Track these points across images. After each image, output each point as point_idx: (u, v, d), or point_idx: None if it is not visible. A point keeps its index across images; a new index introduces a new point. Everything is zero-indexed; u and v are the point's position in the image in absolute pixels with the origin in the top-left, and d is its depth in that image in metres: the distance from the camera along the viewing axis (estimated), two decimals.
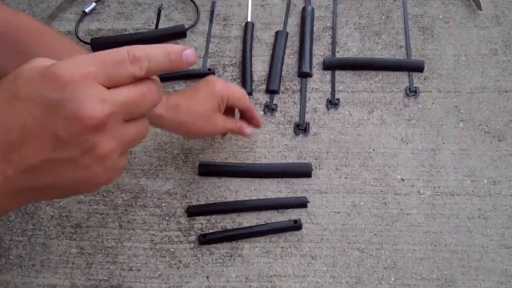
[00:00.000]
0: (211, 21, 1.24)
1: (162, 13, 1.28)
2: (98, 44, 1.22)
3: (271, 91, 1.12)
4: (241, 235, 0.94)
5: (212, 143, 1.06)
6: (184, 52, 0.51)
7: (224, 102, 0.93)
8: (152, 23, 1.26)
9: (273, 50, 1.17)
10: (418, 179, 0.99)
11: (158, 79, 0.52)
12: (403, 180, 0.99)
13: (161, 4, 1.29)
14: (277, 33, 1.19)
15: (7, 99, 0.47)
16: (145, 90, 0.50)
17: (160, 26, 1.25)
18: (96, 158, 0.48)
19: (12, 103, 0.46)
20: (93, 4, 1.30)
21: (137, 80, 0.49)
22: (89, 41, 1.22)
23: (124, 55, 0.48)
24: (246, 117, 1.00)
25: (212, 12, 1.26)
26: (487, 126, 1.05)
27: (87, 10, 1.29)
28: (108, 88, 0.47)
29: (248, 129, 0.99)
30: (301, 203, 0.97)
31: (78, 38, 1.24)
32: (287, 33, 1.20)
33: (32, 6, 1.34)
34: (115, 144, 0.49)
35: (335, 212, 0.96)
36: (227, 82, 0.96)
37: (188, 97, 0.92)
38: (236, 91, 0.96)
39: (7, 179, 0.47)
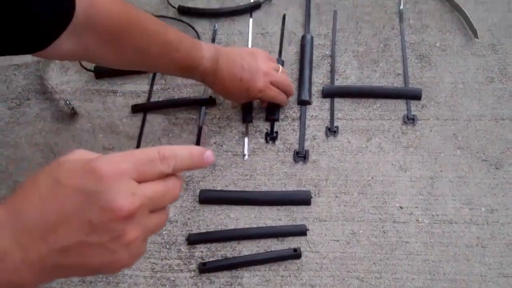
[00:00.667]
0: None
1: None
2: (102, 71, 1.23)
3: (272, 120, 1.13)
4: (241, 264, 0.95)
5: (213, 171, 1.07)
6: (205, 155, 0.60)
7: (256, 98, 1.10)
8: None
9: None
10: (416, 207, 1.00)
11: (181, 176, 0.60)
12: (401, 208, 1.00)
13: None
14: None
15: (51, 185, 0.53)
16: (170, 186, 0.57)
17: None
18: (123, 244, 0.54)
19: (55, 190, 0.53)
20: None
21: (164, 176, 0.57)
22: (92, 69, 1.24)
23: (155, 155, 0.56)
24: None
25: (213, 40, 1.28)
26: (484, 154, 1.06)
27: None
28: (139, 182, 0.55)
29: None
30: (301, 231, 0.98)
31: (82, 65, 1.25)
32: (283, 61, 1.22)
33: None
34: (140, 232, 0.55)
35: (334, 240, 0.97)
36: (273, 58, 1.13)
37: (232, 79, 1.04)
38: (280, 82, 1.10)
39: (42, 257, 0.53)
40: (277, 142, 1.11)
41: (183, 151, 0.58)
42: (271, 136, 1.11)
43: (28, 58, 1.30)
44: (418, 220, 0.98)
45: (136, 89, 1.22)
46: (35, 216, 0.53)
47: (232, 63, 1.03)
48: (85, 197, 0.52)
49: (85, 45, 0.83)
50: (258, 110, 1.15)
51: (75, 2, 0.78)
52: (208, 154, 0.60)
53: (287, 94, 1.12)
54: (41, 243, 0.53)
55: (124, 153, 0.55)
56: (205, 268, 0.95)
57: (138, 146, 1.12)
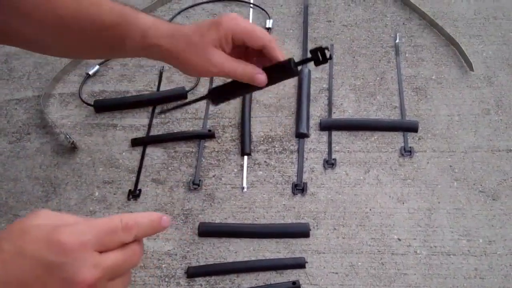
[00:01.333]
0: (211, 83, 1.28)
1: (164, 75, 1.32)
2: (101, 106, 1.25)
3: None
4: None
5: (212, 204, 1.08)
6: (162, 220, 0.62)
7: (229, 37, 0.81)
8: (154, 85, 1.30)
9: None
10: (414, 238, 1.00)
11: (142, 242, 0.62)
12: (399, 239, 1.00)
13: (163, 67, 1.33)
14: None
15: (14, 253, 0.54)
16: (130, 254, 0.59)
17: (162, 88, 1.29)
18: None
19: (18, 259, 0.54)
20: (97, 67, 1.34)
21: (124, 244, 0.59)
22: (92, 103, 1.26)
23: (118, 225, 0.58)
24: (265, 59, 0.84)
25: (211, 79, 1.30)
26: (481, 185, 1.07)
27: (90, 72, 1.33)
28: (100, 252, 0.56)
29: (261, 76, 0.83)
30: (299, 264, 0.98)
31: (82, 99, 1.27)
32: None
33: (37, 68, 1.38)
34: None
35: (333, 272, 0.97)
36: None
37: (190, 26, 0.83)
38: (245, 25, 0.82)
39: None
40: (275, 174, 1.11)
41: (144, 220, 0.60)
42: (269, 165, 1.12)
43: (29, 92, 1.32)
44: (416, 252, 0.99)
45: (135, 123, 1.23)
46: None
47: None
48: (48, 269, 0.53)
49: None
50: (256, 143, 1.17)
51: None
52: (165, 219, 0.62)
53: None
54: None
55: (88, 223, 0.56)
56: None
57: (137, 180, 1.12)
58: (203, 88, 1.28)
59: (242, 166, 1.13)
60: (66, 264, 0.53)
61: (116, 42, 0.86)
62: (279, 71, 0.83)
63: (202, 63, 0.82)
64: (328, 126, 1.17)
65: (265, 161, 1.14)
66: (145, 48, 0.85)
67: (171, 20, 1.45)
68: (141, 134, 1.20)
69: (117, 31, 0.85)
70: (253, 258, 1.00)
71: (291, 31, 1.39)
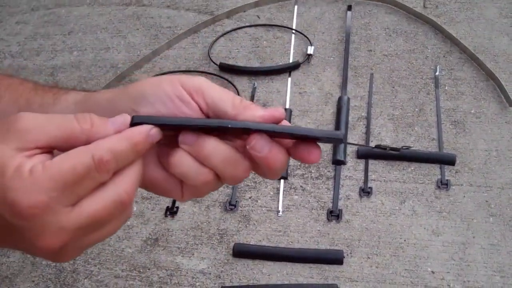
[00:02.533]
0: None
1: None
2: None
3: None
4: None
5: (247, 225, 1.09)
6: (150, 135, 0.47)
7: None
8: None
9: None
10: (448, 272, 1.01)
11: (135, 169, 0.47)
12: (433, 272, 1.01)
13: None
14: None
15: None
16: (111, 200, 0.45)
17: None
18: (54, 260, 0.47)
19: None
20: None
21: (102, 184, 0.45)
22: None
23: (89, 164, 0.43)
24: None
25: (252, 97, 1.32)
26: None
27: None
28: (72, 205, 0.44)
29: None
30: None
31: None
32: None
33: (82, 82, 1.42)
34: (76, 253, 0.47)
35: None
36: None
37: None
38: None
39: None
40: (311, 200, 1.13)
41: (123, 146, 0.45)
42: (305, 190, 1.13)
43: None
44: (449, 286, 0.99)
45: None
46: None
47: None
48: (7, 226, 0.44)
49: None
50: (293, 167, 1.18)
51: None
52: (153, 133, 0.48)
53: None
54: None
55: (51, 173, 0.42)
56: None
57: (174, 200, 1.14)
58: None
59: (278, 189, 1.15)
60: (24, 228, 0.43)
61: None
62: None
63: None
64: (366, 155, 1.18)
65: (301, 186, 1.15)
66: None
67: (214, 42, 1.48)
68: None
69: None
70: (286, 282, 1.01)
71: (331, 58, 1.41)
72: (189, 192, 0.52)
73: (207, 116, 0.51)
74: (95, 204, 0.44)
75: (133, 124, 0.47)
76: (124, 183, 0.46)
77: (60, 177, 0.42)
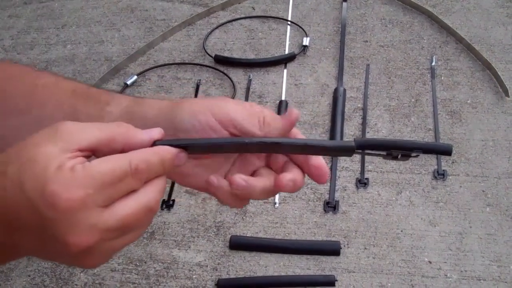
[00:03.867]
0: (246, 98, 1.30)
1: (200, 88, 1.34)
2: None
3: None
4: None
5: (244, 217, 1.09)
6: (178, 158, 0.51)
7: None
8: (190, 97, 1.32)
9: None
10: (445, 262, 1.00)
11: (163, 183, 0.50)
12: (430, 262, 1.00)
13: (200, 80, 1.35)
14: None
15: (15, 184, 0.46)
16: (143, 205, 0.48)
17: (200, 96, 1.30)
18: (80, 265, 0.49)
19: (17, 192, 0.45)
20: (135, 77, 1.37)
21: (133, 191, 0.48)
22: None
23: (126, 170, 0.47)
24: None
25: (248, 89, 1.32)
26: None
27: (128, 82, 1.36)
28: (104, 206, 0.46)
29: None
30: (329, 282, 0.99)
31: None
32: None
33: (76, 76, 1.42)
34: (102, 258, 0.49)
35: None
36: None
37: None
38: None
39: None
40: (307, 191, 1.12)
41: (155, 159, 0.49)
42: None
43: None
44: (446, 276, 0.99)
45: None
46: None
47: None
48: (41, 219, 0.45)
49: None
50: None
51: None
52: (181, 157, 0.51)
53: None
54: None
55: (91, 170, 0.45)
56: None
57: (171, 190, 1.14)
58: None
59: None
60: (57, 222, 0.44)
61: None
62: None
63: None
64: (362, 146, 1.18)
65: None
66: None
67: (209, 34, 1.47)
68: None
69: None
70: (282, 274, 1.01)
71: (327, 49, 1.40)
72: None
73: None
74: (127, 208, 0.47)
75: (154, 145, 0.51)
76: (153, 192, 0.49)
77: (99, 176, 0.45)
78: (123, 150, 0.49)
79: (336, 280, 0.99)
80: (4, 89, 0.66)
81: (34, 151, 0.46)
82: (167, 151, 0.50)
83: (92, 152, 0.49)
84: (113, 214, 0.46)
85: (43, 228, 0.46)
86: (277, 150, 0.55)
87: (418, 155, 0.58)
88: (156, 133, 0.51)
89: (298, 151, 0.55)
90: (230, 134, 0.55)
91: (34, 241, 0.48)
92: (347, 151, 0.55)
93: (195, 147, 0.53)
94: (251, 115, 0.56)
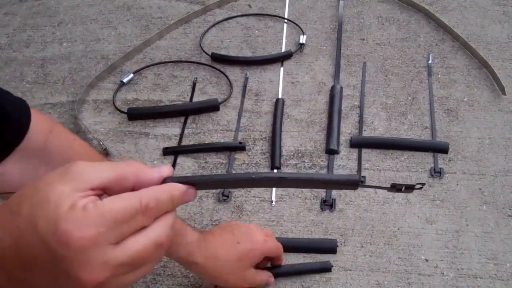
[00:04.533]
0: (243, 96, 1.30)
1: (197, 86, 1.34)
2: (135, 114, 1.27)
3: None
4: None
5: (240, 216, 1.09)
6: (187, 194, 0.53)
7: (261, 259, 0.92)
8: (187, 95, 1.32)
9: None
10: (442, 260, 1.00)
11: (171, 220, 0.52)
12: (427, 260, 1.00)
13: (196, 78, 1.35)
14: None
15: (28, 223, 0.47)
16: (152, 242, 0.49)
17: (195, 99, 1.30)
18: None
19: (31, 232, 0.47)
20: (131, 75, 1.37)
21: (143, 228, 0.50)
22: (125, 110, 1.28)
23: (137, 207, 0.48)
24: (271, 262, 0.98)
25: (244, 88, 1.32)
26: (510, 209, 1.07)
27: (125, 80, 1.36)
28: (115, 243, 0.48)
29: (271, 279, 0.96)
30: (326, 268, 1.00)
31: (115, 107, 1.29)
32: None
33: (72, 74, 1.41)
34: None
35: None
36: (265, 230, 0.95)
37: (227, 247, 0.89)
38: (274, 249, 0.94)
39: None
40: (304, 189, 1.12)
41: (164, 196, 0.51)
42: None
43: (63, 97, 1.35)
44: (443, 274, 0.99)
45: (167, 132, 1.25)
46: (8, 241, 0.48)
47: (222, 231, 0.92)
48: (54, 258, 0.46)
49: (34, 172, 0.76)
50: (286, 157, 1.18)
51: (29, 126, 0.75)
52: (190, 193, 0.54)
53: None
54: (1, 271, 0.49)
55: (102, 210, 0.47)
56: None
57: None
58: (235, 101, 1.29)
59: None
60: (70, 260, 0.46)
61: None
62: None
63: (237, 282, 0.91)
64: (359, 144, 1.18)
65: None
66: (184, 262, 0.89)
67: (206, 32, 1.47)
68: (172, 143, 1.22)
69: None
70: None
71: (324, 47, 1.40)
72: None
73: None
74: (138, 243, 0.49)
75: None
76: (163, 227, 0.51)
77: (110, 215, 0.47)
78: (133, 188, 0.51)
79: (332, 266, 1.00)
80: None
81: (46, 190, 0.47)
82: (176, 188, 0.52)
83: (104, 191, 0.50)
84: (124, 250, 0.48)
85: (56, 266, 0.47)
86: (282, 185, 0.57)
87: (422, 187, 0.58)
88: (165, 170, 0.54)
89: (302, 185, 0.58)
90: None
91: (47, 278, 0.49)
92: (351, 184, 0.56)
93: (204, 184, 0.55)
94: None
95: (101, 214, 0.46)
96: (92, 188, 0.48)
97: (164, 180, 0.53)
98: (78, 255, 0.46)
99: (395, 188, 0.56)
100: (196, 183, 0.54)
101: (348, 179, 0.56)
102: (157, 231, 0.50)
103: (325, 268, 1.00)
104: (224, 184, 0.57)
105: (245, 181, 0.56)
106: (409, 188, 0.56)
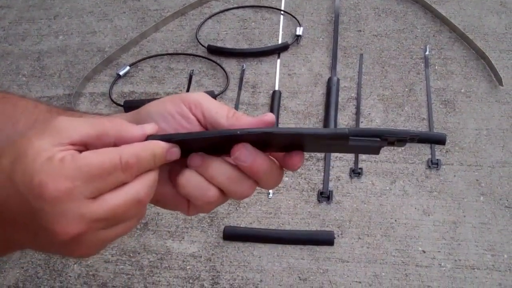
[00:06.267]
0: (240, 88, 1.29)
1: (193, 78, 1.33)
2: (131, 106, 1.27)
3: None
4: None
5: (238, 208, 1.09)
6: (169, 153, 0.51)
7: None
8: (184, 88, 1.31)
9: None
10: (439, 251, 1.00)
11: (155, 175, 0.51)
12: (424, 252, 1.00)
13: (193, 70, 1.35)
14: None
15: (7, 175, 0.47)
16: (131, 198, 0.48)
17: (191, 91, 1.30)
18: (72, 255, 0.50)
19: (9, 185, 0.46)
20: (127, 68, 1.36)
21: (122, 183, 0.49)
22: (122, 103, 1.27)
23: (116, 163, 0.47)
24: None
25: (241, 80, 1.31)
26: (507, 200, 1.06)
27: (121, 73, 1.35)
28: (93, 197, 0.47)
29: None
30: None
31: (112, 99, 1.29)
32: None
33: (69, 67, 1.41)
34: (93, 249, 0.50)
35: (356, 281, 0.98)
36: None
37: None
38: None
39: None
40: (301, 181, 1.12)
41: (146, 154, 0.49)
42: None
43: (59, 90, 1.34)
44: (440, 265, 0.99)
45: None
46: None
47: None
48: (30, 210, 0.46)
49: None
50: None
51: None
52: (173, 152, 0.52)
53: None
54: None
55: (80, 162, 0.46)
56: None
57: None
58: (231, 93, 1.29)
59: None
60: (45, 212, 0.45)
61: None
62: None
63: None
64: (356, 135, 1.17)
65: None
66: None
67: (202, 24, 1.47)
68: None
69: None
70: (276, 264, 1.01)
71: (321, 39, 1.40)
72: (195, 208, 0.58)
73: (205, 129, 0.56)
74: (116, 199, 0.47)
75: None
76: (143, 185, 0.49)
77: (87, 169, 0.46)
78: (115, 145, 0.50)
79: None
80: None
81: (26, 145, 0.47)
82: (158, 146, 0.51)
83: (85, 147, 0.49)
84: (101, 205, 0.47)
85: (33, 219, 0.47)
86: (270, 142, 0.54)
87: (415, 140, 0.56)
88: (149, 128, 0.52)
89: (290, 142, 0.54)
90: (197, 120, 0.55)
91: (26, 233, 0.49)
92: (341, 138, 0.53)
93: (188, 142, 0.53)
94: (221, 106, 0.56)
95: (78, 167, 0.46)
96: (71, 143, 0.48)
97: (147, 138, 0.51)
98: (53, 208, 0.45)
99: (386, 141, 0.55)
100: (180, 141, 0.52)
101: (336, 132, 0.54)
102: (137, 187, 0.49)
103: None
104: (208, 142, 0.54)
105: (231, 137, 0.52)
106: (401, 141, 0.55)
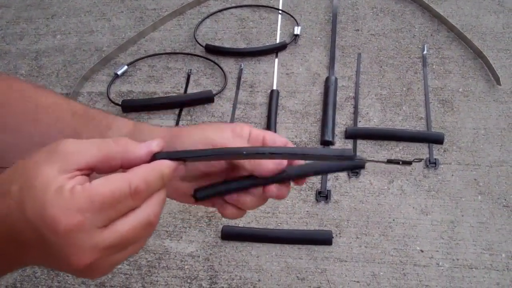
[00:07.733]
0: (238, 87, 1.29)
1: (191, 78, 1.33)
2: (129, 106, 1.26)
3: None
4: None
5: None
6: (177, 170, 0.53)
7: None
8: (181, 87, 1.31)
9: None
10: (437, 250, 1.00)
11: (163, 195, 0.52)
12: (422, 251, 1.01)
13: (190, 70, 1.35)
14: None
15: (17, 204, 0.47)
16: (142, 222, 0.49)
17: (189, 90, 1.30)
18: (84, 276, 0.51)
19: (20, 214, 0.47)
20: (125, 67, 1.36)
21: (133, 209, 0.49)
22: (120, 103, 1.27)
23: (126, 191, 0.48)
24: None
25: (239, 79, 1.31)
26: (505, 199, 1.07)
27: (119, 72, 1.35)
28: (104, 226, 0.48)
29: None
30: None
31: (110, 99, 1.29)
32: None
33: (67, 66, 1.41)
34: (106, 271, 0.51)
35: (354, 281, 0.98)
36: None
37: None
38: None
39: None
40: None
41: (154, 177, 0.50)
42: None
43: (57, 90, 1.34)
44: (438, 264, 0.99)
45: (162, 124, 1.24)
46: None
47: None
48: (44, 242, 0.47)
49: None
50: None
51: None
52: (180, 168, 0.54)
53: None
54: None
55: (90, 194, 0.46)
56: None
57: None
58: (230, 92, 1.29)
59: None
60: (58, 244, 0.46)
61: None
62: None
63: None
64: (354, 135, 1.18)
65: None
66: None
67: (200, 23, 1.46)
68: None
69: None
70: (275, 263, 1.01)
71: (318, 38, 1.40)
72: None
73: None
74: (127, 225, 0.48)
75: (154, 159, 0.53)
76: (153, 206, 0.50)
77: (98, 199, 0.46)
78: (122, 166, 0.51)
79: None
80: (9, 104, 0.68)
81: (33, 171, 0.47)
82: (166, 166, 0.52)
83: (92, 170, 0.50)
84: (112, 232, 0.48)
85: (46, 247, 0.48)
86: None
87: (420, 161, 0.60)
88: (154, 145, 0.53)
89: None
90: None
91: (38, 255, 0.50)
92: (346, 159, 0.55)
93: (194, 158, 0.55)
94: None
95: (88, 198, 0.46)
96: (78, 168, 0.48)
97: (154, 156, 0.52)
98: (66, 240, 0.46)
99: (391, 162, 0.56)
100: (187, 158, 0.54)
101: (341, 154, 0.55)
102: (147, 210, 0.50)
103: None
104: (214, 159, 0.57)
105: (235, 155, 0.56)
106: (406, 163, 0.56)
